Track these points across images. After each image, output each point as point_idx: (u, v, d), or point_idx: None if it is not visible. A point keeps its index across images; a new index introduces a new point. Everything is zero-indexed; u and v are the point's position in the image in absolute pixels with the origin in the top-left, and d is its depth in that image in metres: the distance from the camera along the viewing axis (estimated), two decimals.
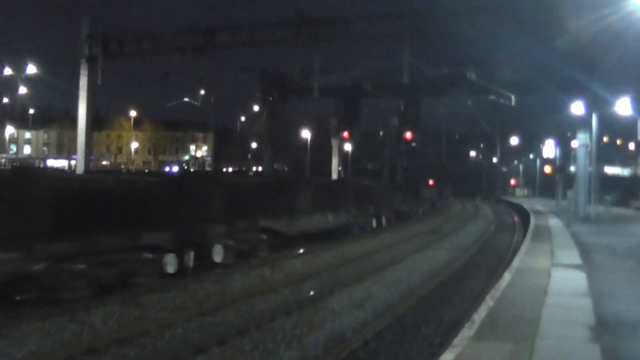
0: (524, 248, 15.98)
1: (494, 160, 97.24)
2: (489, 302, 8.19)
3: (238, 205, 18.01)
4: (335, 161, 49.70)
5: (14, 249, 10.88)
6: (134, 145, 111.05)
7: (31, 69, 55.31)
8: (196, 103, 25.80)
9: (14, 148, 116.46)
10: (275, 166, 49.38)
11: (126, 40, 24.04)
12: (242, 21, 22.34)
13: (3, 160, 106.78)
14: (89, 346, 9.46)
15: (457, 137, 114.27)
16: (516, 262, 12.75)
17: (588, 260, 13.57)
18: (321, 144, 55.96)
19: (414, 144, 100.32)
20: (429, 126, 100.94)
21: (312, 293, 14.08)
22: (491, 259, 21.42)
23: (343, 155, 61.77)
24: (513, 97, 28.47)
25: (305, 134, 51.03)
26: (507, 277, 10.60)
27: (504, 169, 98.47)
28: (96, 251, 12.55)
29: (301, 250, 21.13)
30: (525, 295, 8.63)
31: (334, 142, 49.29)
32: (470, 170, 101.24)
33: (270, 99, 30.39)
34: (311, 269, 17.79)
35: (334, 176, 49.58)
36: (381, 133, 65.15)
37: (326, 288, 14.77)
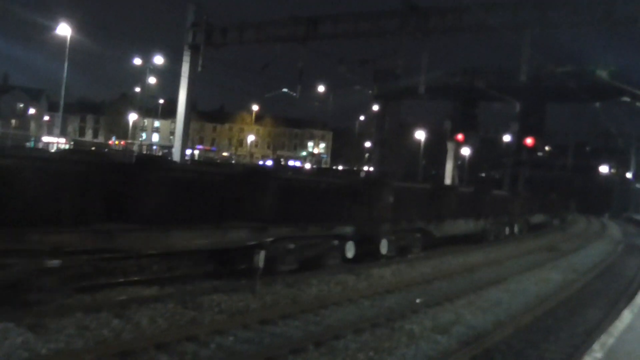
0: None
1: (628, 175, 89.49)
2: (596, 353, 6.25)
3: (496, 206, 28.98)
4: (449, 166, 47.22)
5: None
6: (252, 138, 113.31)
7: (158, 60, 57.10)
8: (295, 95, 24.80)
9: (144, 135, 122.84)
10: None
11: (229, 29, 23.48)
12: (346, 10, 20.72)
13: (154, 147, 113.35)
14: (124, 348, 8.47)
15: (587, 149, 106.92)
16: None
17: None
18: (436, 148, 53.56)
19: (540, 154, 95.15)
20: (556, 136, 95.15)
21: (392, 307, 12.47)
22: (613, 287, 18.69)
23: (459, 160, 59.11)
24: None
25: (419, 135, 48.89)
26: (626, 316, 8.44)
27: (639, 186, 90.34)
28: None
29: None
30: None
31: (450, 146, 46.82)
32: (599, 185, 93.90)
33: (370, 92, 28.74)
34: (401, 280, 16.13)
35: (447, 181, 47.15)
36: (504, 140, 61.53)
37: (411, 304, 13.11)
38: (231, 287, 12.72)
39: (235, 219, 13.23)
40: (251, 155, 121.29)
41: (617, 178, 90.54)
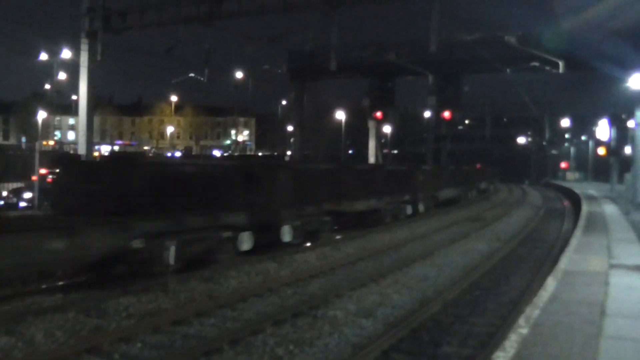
0: (574, 242, 13.32)
1: (544, 142, 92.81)
2: (521, 327, 5.82)
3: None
4: (372, 144, 47.12)
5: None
6: (172, 130, 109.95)
7: (66, 54, 53.97)
8: (202, 79, 23.63)
9: (58, 134, 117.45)
10: None
11: (129, 12, 21.99)
12: None
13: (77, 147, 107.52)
14: None
15: (505, 120, 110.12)
16: (563, 262, 10.21)
17: None
18: (358, 127, 53.40)
19: (460, 127, 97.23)
20: (475, 109, 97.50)
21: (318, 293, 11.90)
22: (536, 253, 18.84)
23: (382, 138, 59.30)
24: (561, 64, 24.99)
25: (340, 115, 48.43)
26: (550, 284, 8.14)
27: (554, 152, 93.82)
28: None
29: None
30: (573, 318, 6.21)
31: (371, 124, 46.69)
32: (518, 154, 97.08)
33: (279, 71, 27.85)
34: (325, 264, 15.60)
35: (371, 160, 47.10)
36: (425, 115, 62.11)
37: (335, 288, 12.57)
38: (142, 288, 11.81)
39: (370, 193, 23.50)
40: (173, 147, 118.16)
41: (534, 146, 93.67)
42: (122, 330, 9.31)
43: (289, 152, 42.45)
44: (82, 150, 22.82)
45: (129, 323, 9.76)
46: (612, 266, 9.76)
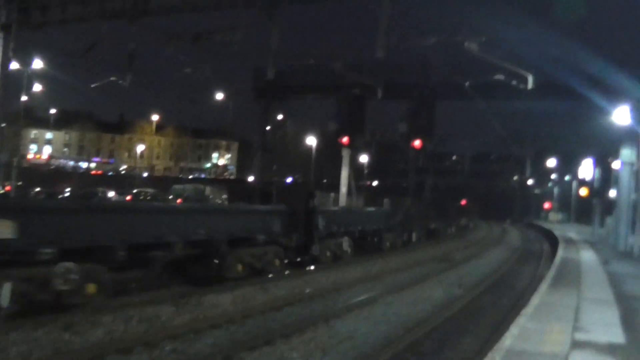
0: (534, 300, 10.62)
1: (528, 181, 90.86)
2: None
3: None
4: (344, 173, 44.41)
5: None
6: (142, 148, 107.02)
7: (37, 64, 51.36)
8: (123, 83, 21.20)
9: (34, 148, 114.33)
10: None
11: (50, 6, 19.52)
12: None
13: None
14: None
15: (491, 157, 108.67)
16: (511, 334, 7.53)
17: (636, 334, 8.28)
18: (334, 154, 50.91)
19: (447, 164, 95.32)
20: (458, 144, 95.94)
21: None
22: (499, 304, 16.16)
23: (362, 168, 56.89)
24: (530, 78, 22.47)
25: (311, 140, 45.77)
26: None
27: (537, 191, 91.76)
28: None
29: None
30: None
31: (345, 152, 44.04)
32: (502, 192, 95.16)
33: (204, 75, 25.17)
34: (240, 310, 12.85)
35: (343, 190, 44.46)
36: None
37: (230, 347, 9.82)
38: None
39: None
40: (152, 167, 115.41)
41: (517, 184, 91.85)
42: None
43: (251, 178, 39.69)
44: None
45: None
46: (575, 344, 7.11)
